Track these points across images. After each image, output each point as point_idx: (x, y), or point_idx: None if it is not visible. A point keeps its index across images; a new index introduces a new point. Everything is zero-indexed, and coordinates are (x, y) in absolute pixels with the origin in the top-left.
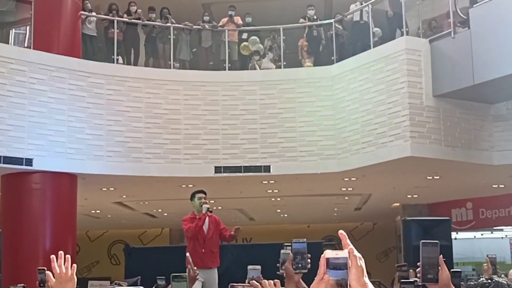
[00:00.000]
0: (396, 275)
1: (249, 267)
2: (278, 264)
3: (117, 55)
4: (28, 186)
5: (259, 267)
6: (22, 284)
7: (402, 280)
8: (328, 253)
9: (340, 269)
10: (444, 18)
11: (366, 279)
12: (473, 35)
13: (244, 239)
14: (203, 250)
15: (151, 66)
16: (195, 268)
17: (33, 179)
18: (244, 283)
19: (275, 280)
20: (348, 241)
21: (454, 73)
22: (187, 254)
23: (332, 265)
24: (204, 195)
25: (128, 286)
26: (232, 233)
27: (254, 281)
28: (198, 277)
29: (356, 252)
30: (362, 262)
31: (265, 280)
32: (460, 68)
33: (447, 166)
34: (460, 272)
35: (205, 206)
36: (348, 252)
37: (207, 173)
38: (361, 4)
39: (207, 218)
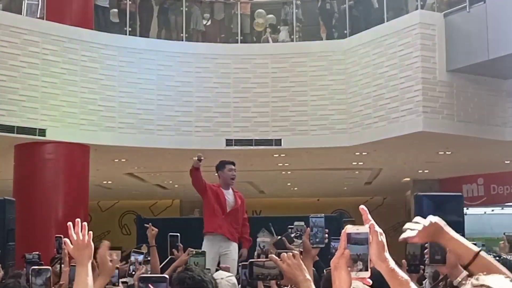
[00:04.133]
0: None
1: (258, 239)
2: (292, 235)
3: (129, 27)
4: (41, 156)
5: (268, 239)
6: (37, 252)
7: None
8: (349, 228)
9: (361, 244)
10: None
11: (387, 255)
12: (488, 9)
13: (253, 212)
14: (223, 216)
15: (163, 38)
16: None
17: (46, 150)
18: (254, 254)
19: (294, 252)
20: (369, 216)
21: (468, 48)
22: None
23: (353, 240)
24: (234, 167)
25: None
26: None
27: (273, 255)
28: (212, 255)
29: (377, 227)
30: (383, 238)
31: (284, 253)
32: (475, 42)
33: (459, 142)
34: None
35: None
36: (369, 227)
37: (218, 146)
38: None
39: (231, 192)
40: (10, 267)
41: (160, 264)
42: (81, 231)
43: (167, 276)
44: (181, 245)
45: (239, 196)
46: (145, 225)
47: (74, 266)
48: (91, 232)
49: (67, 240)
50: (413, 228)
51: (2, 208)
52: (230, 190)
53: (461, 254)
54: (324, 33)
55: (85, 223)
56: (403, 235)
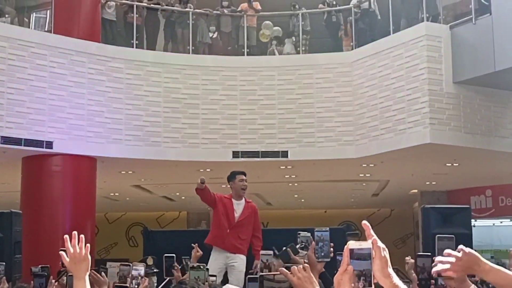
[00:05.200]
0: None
1: (261, 252)
2: (297, 246)
3: (136, 40)
4: (48, 169)
5: (271, 252)
6: (46, 265)
7: (419, 254)
8: (352, 244)
9: (364, 259)
10: (465, 4)
11: (390, 270)
12: (494, 21)
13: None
14: (228, 231)
15: (170, 51)
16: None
17: (53, 162)
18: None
19: (305, 265)
20: (372, 231)
21: (475, 60)
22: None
23: (356, 256)
24: (245, 177)
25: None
26: (256, 260)
27: (283, 269)
28: (219, 265)
29: (380, 243)
30: (386, 253)
31: (295, 266)
32: (481, 54)
33: (466, 153)
34: None
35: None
36: (371, 242)
37: (225, 158)
38: None
39: (242, 203)
40: (17, 280)
41: (158, 287)
42: (79, 244)
43: None
44: (178, 266)
45: (251, 206)
46: (192, 244)
47: (71, 275)
48: (88, 245)
49: (63, 253)
50: (446, 261)
51: (9, 220)
52: (242, 200)
53: (504, 285)
54: (349, 46)
55: (82, 236)
56: (435, 269)
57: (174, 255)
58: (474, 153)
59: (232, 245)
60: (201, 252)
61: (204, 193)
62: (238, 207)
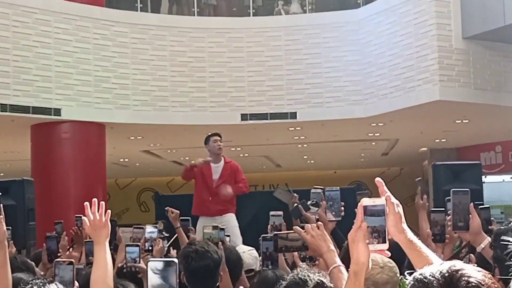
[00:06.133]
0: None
1: (271, 213)
2: (308, 202)
3: (140, 3)
4: (57, 136)
5: (281, 212)
6: (60, 220)
7: (432, 209)
8: (365, 201)
9: (378, 216)
10: None
11: (405, 226)
12: None
13: (271, 186)
14: (210, 198)
15: (174, 13)
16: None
17: (62, 129)
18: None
19: (318, 223)
20: (385, 188)
21: (484, 14)
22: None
23: (370, 212)
24: (219, 138)
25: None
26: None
27: (297, 227)
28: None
29: (393, 199)
30: (400, 209)
31: (308, 225)
32: (491, 8)
33: (476, 110)
34: (488, 208)
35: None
36: (385, 199)
37: (233, 121)
38: None
39: (221, 165)
40: (31, 246)
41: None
42: (98, 211)
43: (176, 261)
44: (193, 228)
45: (230, 166)
46: (165, 208)
47: (90, 241)
48: (109, 211)
49: (85, 219)
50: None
51: (21, 188)
52: (221, 162)
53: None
54: None
55: (102, 203)
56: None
57: (189, 218)
58: (484, 109)
59: (217, 210)
60: (177, 212)
61: (190, 175)
62: (216, 169)
